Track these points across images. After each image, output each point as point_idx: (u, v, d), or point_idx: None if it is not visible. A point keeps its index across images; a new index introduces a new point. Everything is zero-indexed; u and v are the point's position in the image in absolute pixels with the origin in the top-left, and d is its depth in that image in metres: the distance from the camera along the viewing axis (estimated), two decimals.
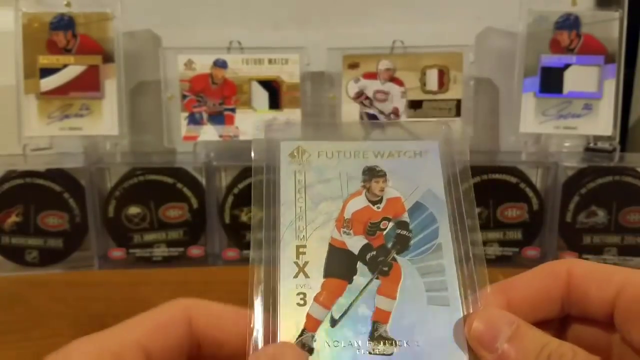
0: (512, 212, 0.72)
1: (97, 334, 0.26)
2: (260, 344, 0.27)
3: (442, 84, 0.73)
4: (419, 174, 0.32)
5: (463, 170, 0.32)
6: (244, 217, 0.72)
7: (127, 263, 0.73)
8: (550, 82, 0.72)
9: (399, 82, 0.73)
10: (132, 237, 0.72)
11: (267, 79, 0.73)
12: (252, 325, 0.27)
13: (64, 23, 0.71)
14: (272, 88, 0.73)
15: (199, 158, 0.74)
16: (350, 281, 0.29)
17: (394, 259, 0.30)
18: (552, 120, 0.72)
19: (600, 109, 0.72)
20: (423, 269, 0.30)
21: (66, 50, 0.71)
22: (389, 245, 0.30)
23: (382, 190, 0.31)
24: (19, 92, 0.71)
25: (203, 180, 0.74)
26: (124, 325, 0.26)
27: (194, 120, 0.73)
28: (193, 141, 0.73)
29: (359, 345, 0.28)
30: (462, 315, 0.29)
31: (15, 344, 0.59)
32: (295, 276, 0.29)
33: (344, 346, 0.28)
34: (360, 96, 0.73)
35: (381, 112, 0.74)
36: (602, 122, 0.72)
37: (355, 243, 0.30)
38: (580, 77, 0.72)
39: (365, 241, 0.30)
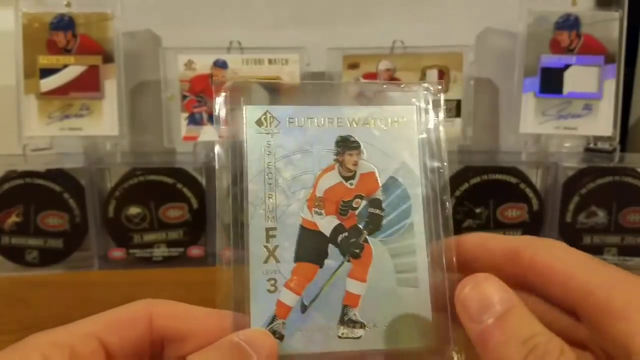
0: (512, 212, 0.72)
1: (55, 328, 0.26)
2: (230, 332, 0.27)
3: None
4: (394, 145, 0.30)
5: (438, 138, 0.31)
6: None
7: (127, 263, 0.73)
8: (550, 82, 0.72)
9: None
10: (132, 237, 0.72)
11: (267, 79, 0.73)
12: (222, 314, 0.27)
13: (64, 23, 0.71)
14: (272, 88, 0.73)
15: (199, 158, 0.74)
16: (321, 265, 0.29)
17: (366, 240, 0.29)
18: (552, 120, 0.72)
19: (600, 109, 0.72)
20: (394, 250, 0.29)
21: (66, 51, 0.71)
22: (361, 225, 0.30)
23: (355, 164, 0.30)
24: (19, 92, 0.71)
25: (203, 181, 0.74)
26: (82, 320, 0.26)
27: (194, 120, 0.73)
28: (193, 141, 0.73)
29: (328, 330, 0.28)
30: (429, 296, 0.29)
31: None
32: (265, 261, 0.28)
33: (314, 331, 0.28)
34: (360, 96, 0.73)
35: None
36: (602, 123, 0.72)
37: (326, 224, 0.29)
38: (580, 77, 0.72)
39: (337, 222, 0.29)
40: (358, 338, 0.28)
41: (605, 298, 0.24)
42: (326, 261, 0.29)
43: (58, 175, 0.72)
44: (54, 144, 0.73)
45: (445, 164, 0.30)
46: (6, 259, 0.72)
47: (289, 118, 0.30)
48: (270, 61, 0.73)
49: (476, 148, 0.77)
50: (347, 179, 0.30)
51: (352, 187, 0.30)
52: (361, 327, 0.28)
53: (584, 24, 0.71)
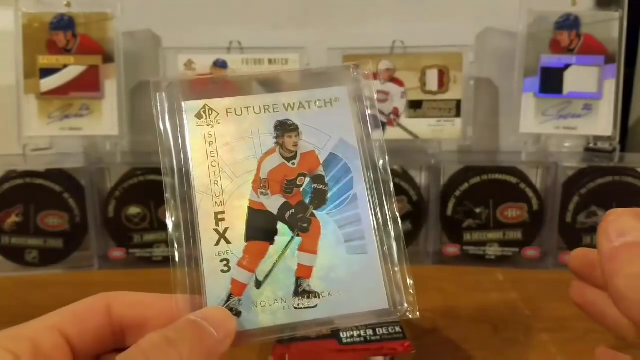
0: (512, 212, 0.72)
1: (17, 325, 0.26)
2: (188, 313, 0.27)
3: (442, 84, 0.73)
4: (331, 123, 0.32)
5: (372, 113, 0.32)
6: None
7: (127, 263, 0.73)
8: (550, 82, 0.72)
9: (399, 82, 0.73)
10: (132, 237, 0.72)
11: None
12: (177, 298, 0.28)
13: (64, 23, 0.71)
14: None
15: None
16: (272, 242, 0.30)
17: (313, 215, 0.30)
18: (552, 120, 0.72)
19: (600, 109, 0.72)
20: (341, 221, 0.30)
21: (66, 51, 0.71)
22: (307, 201, 0.31)
23: (295, 145, 0.31)
24: (19, 92, 0.71)
25: None
26: (44, 315, 0.27)
27: None
28: None
29: (284, 302, 0.29)
30: (379, 261, 0.30)
31: None
32: (217, 244, 0.29)
33: (270, 305, 0.29)
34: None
35: (381, 113, 0.74)
36: (602, 123, 0.72)
37: (273, 203, 0.30)
38: (580, 77, 0.72)
39: (283, 200, 0.31)
40: (314, 307, 0.29)
41: None
42: (276, 238, 0.30)
43: (58, 175, 0.72)
44: (54, 144, 0.73)
45: (382, 136, 0.32)
46: (6, 259, 0.72)
47: (227, 109, 0.31)
48: (270, 61, 0.73)
49: (476, 148, 0.77)
50: (288, 159, 0.31)
51: (295, 166, 0.31)
52: (316, 297, 0.29)
53: (584, 24, 0.71)
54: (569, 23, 0.71)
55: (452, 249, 0.73)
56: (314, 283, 0.29)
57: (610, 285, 0.25)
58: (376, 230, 0.30)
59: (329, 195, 0.31)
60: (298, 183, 0.31)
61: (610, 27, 0.71)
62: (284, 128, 0.31)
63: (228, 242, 0.29)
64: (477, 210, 0.72)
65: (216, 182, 0.30)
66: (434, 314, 0.59)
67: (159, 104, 0.30)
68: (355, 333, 0.47)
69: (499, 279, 0.68)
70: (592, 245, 0.29)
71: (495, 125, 0.80)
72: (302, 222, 0.30)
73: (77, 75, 0.71)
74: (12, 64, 0.71)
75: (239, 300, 0.29)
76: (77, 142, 0.73)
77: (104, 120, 0.72)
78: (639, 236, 0.25)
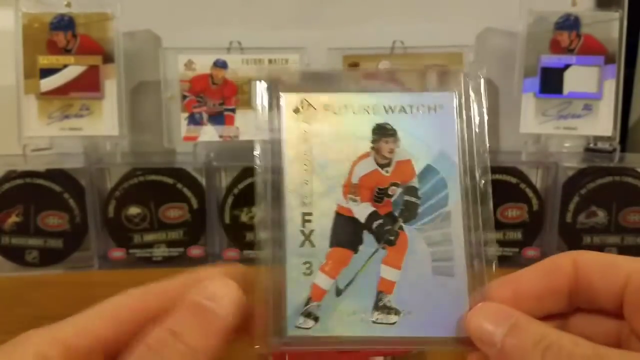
0: (512, 212, 0.72)
1: (50, 325, 0.26)
2: (271, 311, 0.27)
3: None
4: (432, 132, 0.30)
5: (479, 126, 0.30)
6: (244, 217, 0.72)
7: (127, 263, 0.73)
8: (550, 82, 0.72)
9: None
10: (132, 237, 0.72)
11: None
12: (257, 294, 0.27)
13: (64, 23, 0.71)
14: None
15: (199, 158, 0.74)
16: (355, 251, 0.29)
17: (401, 228, 0.29)
18: (552, 120, 0.72)
19: (600, 110, 0.72)
20: (430, 238, 0.29)
21: (66, 51, 0.71)
22: (397, 213, 0.30)
23: (391, 152, 0.30)
24: (19, 92, 0.71)
25: (203, 181, 0.74)
26: (76, 316, 0.26)
27: (194, 120, 0.73)
28: (193, 141, 0.73)
29: (363, 314, 0.28)
30: (466, 286, 0.28)
31: None
32: (302, 245, 0.29)
33: (348, 315, 0.28)
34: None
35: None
36: (602, 123, 0.72)
37: (361, 211, 0.29)
38: (580, 77, 0.72)
39: (372, 209, 0.30)
40: (392, 324, 0.28)
41: None
42: (360, 247, 0.29)
43: (58, 175, 0.72)
44: (54, 144, 0.73)
45: (487, 153, 0.30)
46: (6, 259, 0.72)
47: (325, 105, 0.30)
48: (270, 61, 0.73)
49: None
50: (382, 166, 0.30)
51: (388, 174, 0.30)
52: (395, 314, 0.28)
53: (584, 24, 0.71)
54: (569, 23, 0.71)
55: None
56: (395, 299, 0.28)
57: None
58: (467, 253, 0.29)
59: (420, 209, 0.29)
60: (389, 193, 0.30)
61: (610, 27, 0.71)
62: (382, 132, 0.30)
63: (312, 245, 0.29)
64: None
65: (307, 182, 0.29)
66: None
67: (258, 95, 0.30)
68: None
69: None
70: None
71: (495, 125, 0.80)
72: (389, 235, 0.29)
73: (77, 75, 0.71)
74: (12, 64, 0.71)
75: (318, 305, 0.28)
76: (77, 142, 0.73)
77: (104, 121, 0.72)
78: (509, 320, 0.25)
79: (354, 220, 0.29)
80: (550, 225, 0.72)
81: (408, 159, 0.30)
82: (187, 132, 0.73)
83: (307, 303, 0.28)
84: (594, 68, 0.71)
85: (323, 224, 0.29)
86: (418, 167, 0.30)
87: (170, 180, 0.71)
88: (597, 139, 0.73)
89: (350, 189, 0.29)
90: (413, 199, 0.30)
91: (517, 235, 0.72)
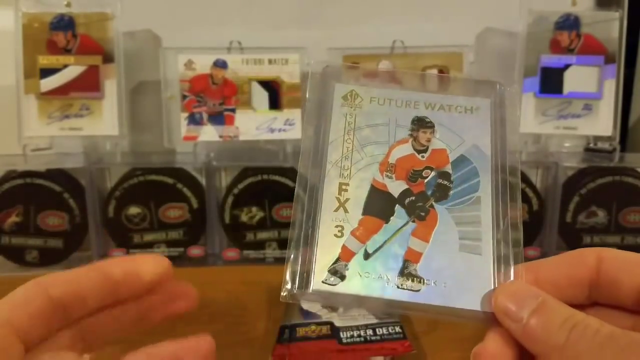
0: None
1: None
2: (297, 267, 0.29)
3: None
4: (468, 129, 0.33)
5: (512, 129, 0.33)
6: (244, 217, 0.72)
7: None
8: (550, 82, 0.72)
9: None
10: (132, 237, 0.72)
11: (267, 79, 0.73)
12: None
13: (64, 23, 0.71)
14: (272, 88, 0.73)
15: (199, 158, 0.74)
16: (387, 221, 0.31)
17: (432, 206, 0.31)
18: (552, 120, 0.72)
19: (600, 109, 0.72)
20: (459, 218, 0.31)
21: (66, 51, 0.71)
22: (429, 192, 0.32)
23: (428, 140, 0.32)
24: (19, 92, 0.71)
25: (203, 181, 0.74)
26: None
27: (194, 120, 0.73)
28: (193, 141, 0.73)
29: (388, 278, 0.30)
30: (492, 265, 0.30)
31: None
32: (336, 210, 0.31)
33: (374, 278, 0.30)
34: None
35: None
36: (602, 123, 0.72)
37: (396, 187, 0.32)
38: (580, 77, 0.72)
39: (405, 186, 0.32)
40: (417, 291, 0.29)
41: None
42: (392, 218, 0.31)
43: (58, 175, 0.72)
44: (54, 144, 0.73)
45: (518, 154, 0.32)
46: (6, 259, 0.72)
47: (372, 97, 0.34)
48: (270, 61, 0.73)
49: None
50: (419, 152, 0.32)
51: (424, 159, 0.32)
52: (420, 282, 0.29)
53: (584, 24, 0.71)
54: (569, 23, 0.71)
55: None
56: (421, 268, 0.30)
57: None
58: (495, 236, 0.30)
59: (451, 192, 0.32)
60: (424, 175, 0.32)
61: (610, 27, 0.71)
62: (421, 123, 0.33)
63: (346, 211, 0.31)
64: None
65: (346, 157, 0.32)
66: None
67: (315, 82, 0.33)
68: (355, 333, 0.47)
69: None
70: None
71: None
72: (420, 210, 0.31)
73: (77, 75, 0.71)
74: (12, 64, 0.71)
75: (346, 265, 0.30)
76: (77, 142, 0.73)
77: (104, 120, 0.72)
78: (537, 299, 0.26)
79: (387, 194, 0.32)
80: (550, 225, 0.72)
81: (443, 148, 0.33)
82: (187, 132, 0.73)
83: (335, 262, 0.30)
84: (594, 68, 0.71)
85: (358, 194, 0.31)
86: (452, 156, 0.32)
87: (170, 180, 0.71)
88: (597, 138, 0.73)
89: (387, 167, 0.32)
90: (446, 182, 0.32)
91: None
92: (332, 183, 0.31)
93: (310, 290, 0.29)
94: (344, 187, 0.31)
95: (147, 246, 0.73)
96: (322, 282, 0.29)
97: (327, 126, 0.32)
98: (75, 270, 0.30)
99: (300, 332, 0.48)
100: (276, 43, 0.74)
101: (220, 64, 0.73)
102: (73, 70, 0.71)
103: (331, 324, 0.48)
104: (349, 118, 0.33)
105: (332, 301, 0.30)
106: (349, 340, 0.46)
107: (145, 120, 0.78)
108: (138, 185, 0.71)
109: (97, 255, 0.72)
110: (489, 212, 0.31)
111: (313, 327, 0.48)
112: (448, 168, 0.32)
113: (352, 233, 0.30)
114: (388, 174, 0.32)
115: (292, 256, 0.29)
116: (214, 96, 0.73)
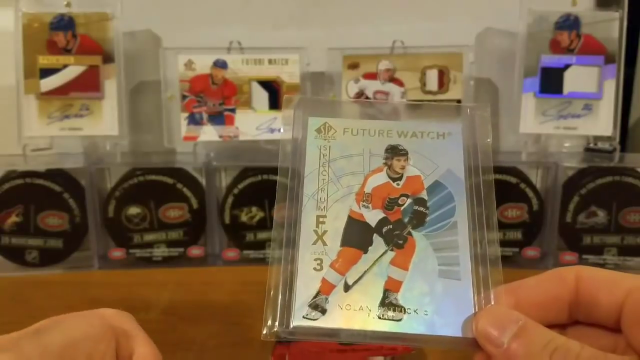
0: (512, 212, 0.72)
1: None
2: (277, 304, 0.29)
3: (442, 84, 0.73)
4: (441, 154, 0.33)
5: (484, 153, 0.33)
6: (243, 217, 0.72)
7: (127, 263, 0.73)
8: (550, 82, 0.72)
9: (399, 83, 0.73)
10: (132, 237, 0.72)
11: (267, 79, 0.73)
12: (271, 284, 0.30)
13: (64, 23, 0.71)
14: (272, 88, 0.73)
15: (199, 158, 0.74)
16: (365, 251, 0.31)
17: (410, 234, 0.31)
18: (552, 120, 0.72)
19: (600, 109, 0.72)
20: (437, 245, 0.31)
21: (66, 51, 0.71)
22: (406, 220, 0.32)
23: (402, 168, 0.33)
24: (19, 92, 0.71)
25: (203, 181, 0.74)
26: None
27: (194, 120, 0.73)
28: (193, 141, 0.73)
29: (369, 309, 0.30)
30: (472, 289, 0.30)
31: None
32: (314, 243, 0.31)
33: (355, 310, 0.30)
34: (360, 96, 0.73)
35: (381, 113, 0.73)
36: (602, 123, 0.72)
37: (373, 216, 0.32)
38: (580, 77, 0.72)
39: (382, 215, 0.32)
40: (398, 321, 0.29)
41: None
42: (370, 248, 0.31)
43: (58, 175, 0.72)
44: (54, 144, 0.73)
45: (491, 176, 0.33)
46: (6, 259, 0.72)
47: (345, 128, 0.34)
48: (270, 61, 0.73)
49: None
50: (394, 179, 0.33)
51: (399, 187, 0.33)
52: (401, 311, 0.29)
53: (584, 24, 0.71)
54: (569, 23, 0.71)
55: None
56: (401, 297, 0.30)
57: None
58: (473, 260, 0.31)
59: (428, 218, 0.32)
60: (400, 202, 0.32)
61: (610, 27, 0.71)
62: (395, 151, 0.33)
63: (324, 244, 0.31)
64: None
65: (323, 189, 0.32)
66: None
67: (288, 116, 0.34)
68: None
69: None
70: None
71: (495, 125, 0.80)
72: (397, 239, 0.31)
73: (77, 75, 0.71)
74: (12, 64, 0.71)
75: (326, 298, 0.30)
76: (77, 142, 0.73)
77: (104, 121, 0.72)
78: (518, 323, 0.26)
79: (365, 224, 0.32)
80: (550, 225, 0.72)
81: (418, 175, 0.33)
82: (187, 132, 0.73)
83: (316, 296, 0.30)
84: (594, 68, 0.71)
85: (336, 226, 0.31)
86: (427, 182, 0.33)
87: (170, 180, 0.71)
88: (597, 138, 0.73)
89: (363, 197, 0.32)
90: (422, 209, 0.32)
91: (517, 235, 0.72)
92: (310, 216, 0.31)
93: (292, 327, 0.29)
94: (321, 219, 0.31)
95: (147, 246, 0.73)
96: (304, 317, 0.29)
97: (302, 160, 0.33)
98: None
99: None
100: (276, 43, 0.74)
101: (220, 64, 0.73)
102: (73, 71, 0.71)
103: None
104: (324, 150, 0.33)
105: (313, 336, 0.29)
106: None
107: (145, 120, 0.78)
108: (138, 185, 0.71)
109: (97, 255, 0.72)
110: (466, 235, 0.31)
111: None
112: (424, 194, 0.32)
113: (332, 265, 0.30)
114: (365, 203, 0.32)
115: (272, 292, 0.29)
116: (214, 96, 0.73)
